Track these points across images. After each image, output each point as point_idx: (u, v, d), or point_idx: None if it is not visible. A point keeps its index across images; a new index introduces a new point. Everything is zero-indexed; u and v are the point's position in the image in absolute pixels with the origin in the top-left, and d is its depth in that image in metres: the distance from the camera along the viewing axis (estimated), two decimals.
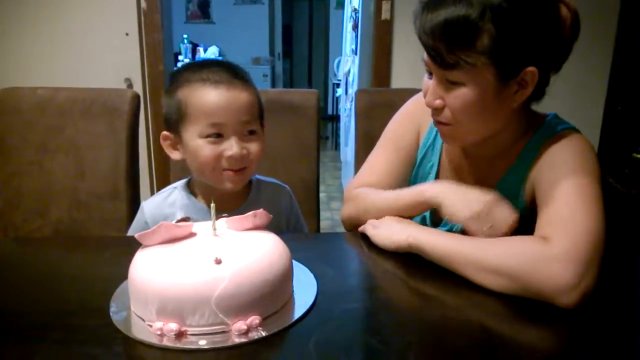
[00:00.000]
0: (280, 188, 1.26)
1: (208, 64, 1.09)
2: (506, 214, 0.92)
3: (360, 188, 1.16)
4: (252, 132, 1.07)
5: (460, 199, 0.95)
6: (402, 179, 1.18)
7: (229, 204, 1.11)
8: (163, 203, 1.15)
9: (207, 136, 1.03)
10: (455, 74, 0.91)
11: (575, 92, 2.51)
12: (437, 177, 1.16)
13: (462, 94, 0.93)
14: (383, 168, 1.18)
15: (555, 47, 0.93)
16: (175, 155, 1.10)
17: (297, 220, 1.28)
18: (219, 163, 1.04)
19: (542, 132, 1.02)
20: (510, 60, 0.89)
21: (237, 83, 1.05)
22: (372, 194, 1.12)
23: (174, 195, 1.16)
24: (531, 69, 0.90)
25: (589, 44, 2.49)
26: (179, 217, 0.97)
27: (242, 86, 1.06)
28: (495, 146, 1.05)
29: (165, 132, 1.10)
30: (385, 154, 1.20)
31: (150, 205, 1.16)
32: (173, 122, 1.07)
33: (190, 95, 1.04)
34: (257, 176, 1.21)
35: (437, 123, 1.01)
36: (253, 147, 1.07)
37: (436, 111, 0.98)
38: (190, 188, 1.17)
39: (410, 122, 1.19)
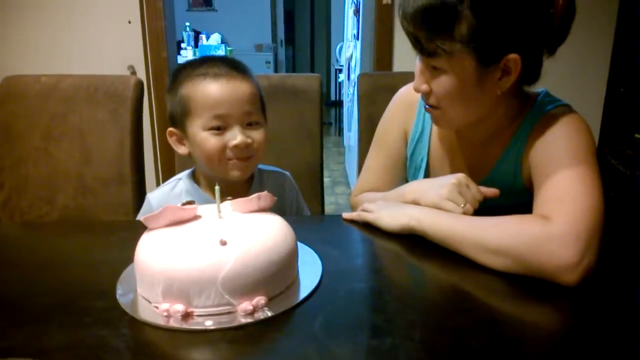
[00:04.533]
0: (282, 175, 1.28)
1: (207, 59, 1.11)
2: (474, 190, 0.95)
3: (361, 194, 1.22)
4: (255, 123, 1.09)
5: (431, 187, 0.98)
6: (398, 178, 1.21)
7: (232, 194, 1.11)
8: (169, 194, 1.16)
9: (211, 128, 1.05)
10: (437, 60, 0.92)
11: (577, 73, 2.50)
12: (427, 168, 1.17)
13: (444, 81, 0.94)
14: (378, 172, 1.23)
15: (542, 32, 0.91)
16: (181, 150, 1.13)
17: (298, 205, 1.30)
18: (224, 153, 1.06)
19: (535, 112, 1.02)
20: (489, 48, 0.89)
21: (236, 75, 1.07)
22: (368, 199, 1.15)
23: (180, 186, 1.17)
24: (513, 56, 0.90)
25: (590, 24, 2.48)
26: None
27: (241, 78, 1.08)
28: (487, 130, 1.05)
29: (171, 129, 1.12)
30: (378, 158, 1.24)
31: (157, 196, 1.17)
32: (178, 118, 1.09)
33: (192, 90, 1.06)
34: (259, 165, 1.22)
35: (427, 106, 1.02)
36: (256, 135, 1.08)
37: (424, 95, 1.00)
38: (195, 179, 1.18)
39: (394, 123, 1.22)
